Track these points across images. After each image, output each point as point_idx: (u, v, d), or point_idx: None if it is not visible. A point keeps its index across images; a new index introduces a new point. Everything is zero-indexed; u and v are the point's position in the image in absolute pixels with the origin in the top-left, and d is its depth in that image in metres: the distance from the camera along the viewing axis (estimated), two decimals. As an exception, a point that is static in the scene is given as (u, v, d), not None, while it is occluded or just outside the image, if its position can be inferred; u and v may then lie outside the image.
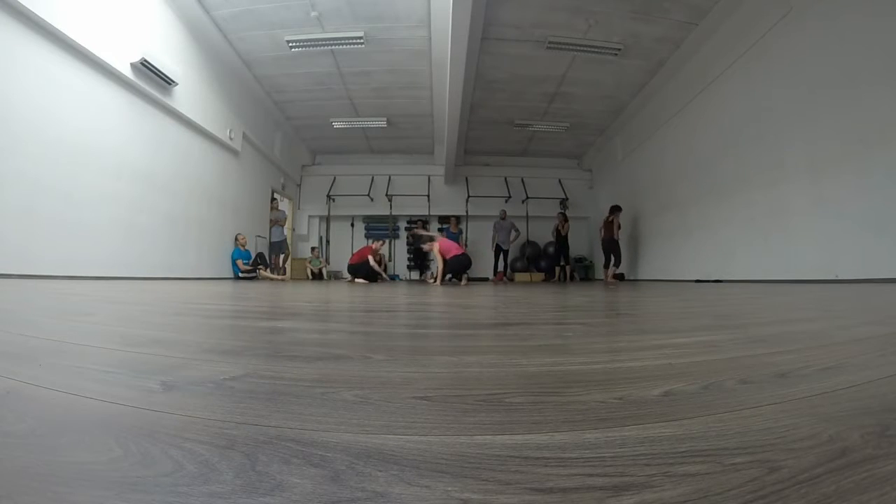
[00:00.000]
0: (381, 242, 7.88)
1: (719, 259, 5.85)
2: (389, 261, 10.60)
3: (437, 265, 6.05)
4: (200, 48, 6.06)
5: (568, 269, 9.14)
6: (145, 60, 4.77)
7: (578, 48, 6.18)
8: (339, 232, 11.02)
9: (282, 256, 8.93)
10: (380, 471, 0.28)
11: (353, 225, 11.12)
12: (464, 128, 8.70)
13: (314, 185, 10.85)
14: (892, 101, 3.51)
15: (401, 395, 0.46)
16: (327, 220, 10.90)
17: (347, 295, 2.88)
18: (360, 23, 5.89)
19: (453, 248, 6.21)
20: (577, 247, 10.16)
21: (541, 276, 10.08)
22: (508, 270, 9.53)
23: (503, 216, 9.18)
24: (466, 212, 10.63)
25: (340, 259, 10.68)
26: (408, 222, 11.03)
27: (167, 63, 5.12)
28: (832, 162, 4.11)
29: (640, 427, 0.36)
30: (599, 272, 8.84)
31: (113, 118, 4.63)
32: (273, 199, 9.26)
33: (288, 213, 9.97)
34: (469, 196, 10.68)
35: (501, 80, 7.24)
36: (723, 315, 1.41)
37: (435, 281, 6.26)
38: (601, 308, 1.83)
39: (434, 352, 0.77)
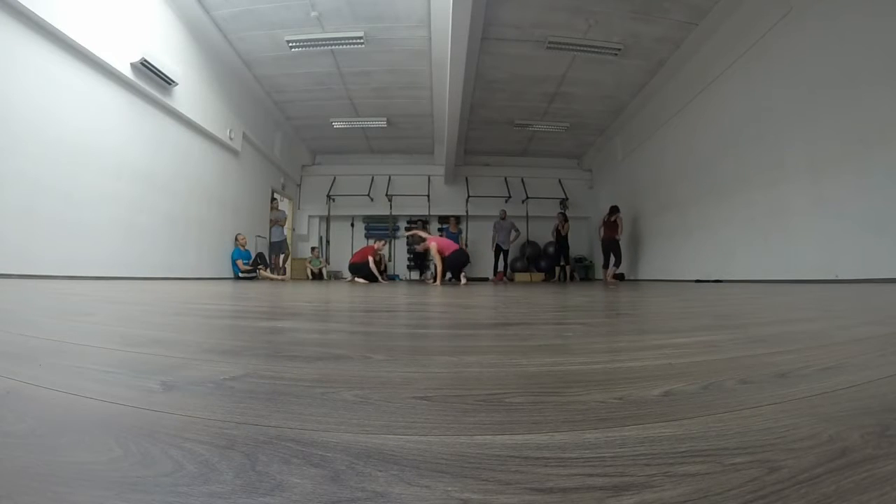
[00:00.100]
0: (382, 242, 7.88)
1: (719, 259, 5.85)
2: (389, 261, 10.60)
3: (437, 265, 6.04)
4: (200, 48, 6.06)
5: (568, 269, 9.14)
6: (145, 60, 4.77)
7: (578, 48, 6.18)
8: (339, 232, 11.02)
9: (282, 256, 8.92)
10: (380, 471, 0.28)
11: (353, 225, 11.12)
12: (464, 128, 8.70)
13: (314, 185, 10.85)
14: (892, 101, 3.52)
15: (401, 395, 0.46)
16: (327, 220, 10.90)
17: (347, 295, 2.88)
18: (360, 23, 5.89)
19: (450, 246, 6.21)
20: (577, 247, 10.16)
21: (541, 276, 10.08)
22: (508, 270, 9.53)
23: (503, 216, 9.18)
24: (466, 212, 10.63)
25: (340, 259, 10.68)
26: (408, 222, 11.03)
27: (167, 63, 5.12)
28: (832, 162, 4.11)
29: (640, 427, 0.36)
30: (599, 272, 8.84)
31: (113, 118, 4.63)
32: (273, 199, 9.26)
33: (288, 213, 9.97)
34: (469, 196, 10.68)
35: (501, 80, 7.24)
36: (723, 315, 1.41)
37: (435, 281, 6.26)
38: (601, 308, 1.83)
39: (434, 352, 0.77)
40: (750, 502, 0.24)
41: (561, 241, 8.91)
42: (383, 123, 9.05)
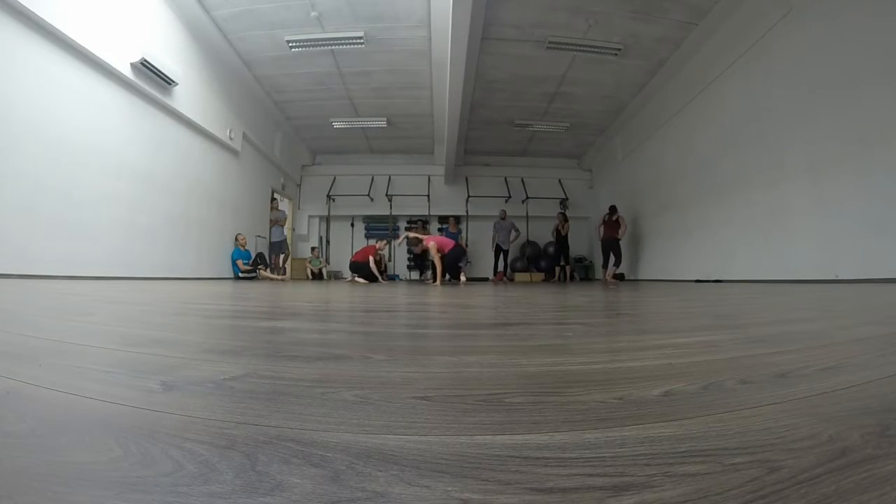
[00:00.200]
0: (383, 242, 7.90)
1: (719, 259, 5.85)
2: (389, 261, 10.60)
3: (436, 264, 6.04)
4: (200, 48, 6.06)
5: (568, 269, 9.14)
6: (145, 60, 4.77)
7: (578, 48, 6.18)
8: (339, 232, 11.02)
9: (282, 256, 8.92)
10: (380, 471, 0.28)
11: (353, 225, 11.12)
12: (464, 128, 8.70)
13: (314, 185, 10.85)
14: (892, 101, 3.51)
15: (401, 395, 0.46)
16: (327, 220, 10.90)
17: (347, 295, 2.88)
18: (360, 23, 5.89)
19: (448, 243, 6.22)
20: (577, 247, 10.16)
21: (541, 276, 10.08)
22: (508, 270, 9.53)
23: (503, 216, 9.18)
24: (466, 212, 10.63)
25: (340, 259, 10.68)
26: (408, 222, 11.03)
27: (167, 63, 5.12)
28: (832, 162, 4.11)
29: (640, 427, 0.36)
30: (599, 272, 8.84)
31: (113, 118, 4.63)
32: (273, 199, 9.26)
33: (288, 213, 9.97)
34: (469, 196, 10.68)
35: (501, 80, 7.24)
36: (723, 315, 1.41)
37: (434, 281, 6.26)
38: (601, 308, 1.83)
39: (434, 352, 0.77)
40: (750, 502, 0.24)
41: (561, 241, 8.91)
42: (383, 123, 9.05)
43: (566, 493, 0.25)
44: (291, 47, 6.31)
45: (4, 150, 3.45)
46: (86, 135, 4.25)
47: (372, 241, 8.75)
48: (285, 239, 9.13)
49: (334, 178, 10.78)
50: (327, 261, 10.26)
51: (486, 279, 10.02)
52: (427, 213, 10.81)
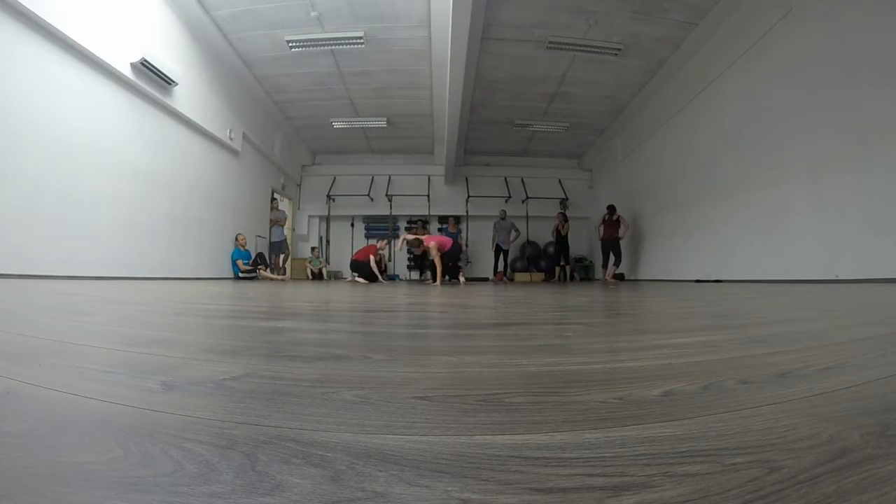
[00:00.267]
0: (384, 242, 7.91)
1: (719, 259, 5.85)
2: (389, 261, 10.61)
3: (437, 264, 6.03)
4: (200, 48, 6.06)
5: (568, 269, 9.14)
6: (145, 60, 4.77)
7: (578, 48, 6.18)
8: (339, 232, 11.02)
9: (282, 256, 8.92)
10: (380, 471, 0.28)
11: (353, 225, 11.12)
12: (464, 128, 8.70)
13: (314, 185, 10.85)
14: (892, 101, 3.51)
15: (401, 395, 0.46)
16: (327, 220, 10.90)
17: (347, 295, 2.88)
18: (360, 23, 5.89)
19: (447, 241, 6.22)
20: (577, 247, 10.16)
21: (541, 276, 10.08)
22: (508, 270, 9.53)
23: (503, 216, 9.18)
24: (466, 212, 10.63)
25: (340, 259, 10.68)
26: (408, 222, 11.03)
27: (167, 63, 5.12)
28: (832, 162, 4.11)
29: (640, 427, 0.36)
30: (599, 272, 8.84)
31: (113, 118, 4.63)
32: (273, 199, 9.26)
33: (288, 213, 9.96)
34: (469, 196, 10.68)
35: (501, 80, 7.24)
36: (723, 315, 1.41)
37: (434, 281, 6.26)
38: (601, 308, 1.83)
39: (434, 352, 0.77)
40: (750, 502, 0.24)
41: (561, 241, 8.92)
42: (383, 123, 9.05)
43: (566, 493, 0.25)
44: (291, 47, 6.31)
45: (4, 150, 3.45)
46: (86, 135, 4.25)
47: (372, 241, 8.74)
48: (285, 239, 9.13)
49: (334, 178, 10.78)
50: (327, 261, 10.26)
51: (486, 279, 10.02)
52: (427, 213, 10.81)
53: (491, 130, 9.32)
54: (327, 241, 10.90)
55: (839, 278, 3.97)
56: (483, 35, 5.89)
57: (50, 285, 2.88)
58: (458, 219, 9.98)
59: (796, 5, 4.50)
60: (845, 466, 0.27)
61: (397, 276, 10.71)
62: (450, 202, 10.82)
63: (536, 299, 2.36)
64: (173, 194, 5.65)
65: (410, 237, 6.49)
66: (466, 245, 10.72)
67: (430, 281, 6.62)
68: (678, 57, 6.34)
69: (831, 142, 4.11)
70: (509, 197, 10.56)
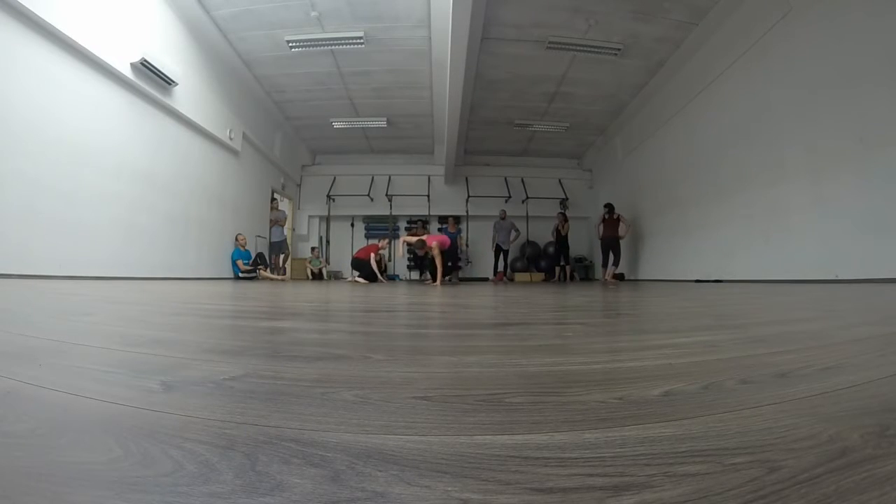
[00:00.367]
0: (386, 241, 7.93)
1: (719, 259, 5.85)
2: (389, 261, 10.61)
3: (437, 264, 6.02)
4: (200, 48, 6.06)
5: (568, 269, 9.14)
6: (145, 60, 4.77)
7: (578, 48, 6.18)
8: (339, 232, 11.02)
9: (282, 256, 8.92)
10: (380, 471, 0.28)
11: (353, 225, 11.12)
12: (464, 128, 8.70)
13: (314, 185, 10.85)
14: (892, 101, 3.51)
15: (401, 395, 0.46)
16: (327, 220, 10.90)
17: (348, 295, 2.88)
18: (359, 23, 5.89)
19: (446, 240, 6.20)
20: (577, 247, 10.15)
21: (541, 276, 10.08)
22: (508, 270, 9.53)
23: (503, 216, 9.18)
24: (466, 212, 10.63)
25: (340, 259, 10.68)
26: (408, 222, 11.03)
27: (167, 63, 5.12)
28: (832, 162, 4.11)
29: (640, 427, 0.36)
30: (599, 272, 8.84)
31: (113, 118, 4.63)
32: (273, 199, 9.26)
33: (288, 213, 9.96)
34: (469, 196, 10.67)
35: (501, 80, 7.24)
36: (723, 315, 1.41)
37: (433, 281, 6.25)
38: (601, 308, 1.83)
39: (434, 352, 0.77)
40: (750, 502, 0.24)
41: (561, 241, 8.91)
42: (383, 123, 9.04)
43: (566, 493, 0.25)
44: (291, 47, 6.31)
45: (4, 150, 3.45)
46: (86, 135, 4.25)
47: (373, 241, 8.74)
48: (285, 239, 9.13)
49: (334, 178, 10.78)
50: (327, 261, 10.26)
51: (485, 279, 10.02)
52: (427, 213, 10.80)
53: (491, 130, 9.32)
54: (327, 241, 10.90)
55: (839, 278, 3.97)
56: (483, 35, 5.89)
57: (50, 285, 2.88)
58: (457, 219, 9.97)
59: (796, 5, 4.50)
60: (845, 466, 0.27)
61: (397, 276, 10.71)
62: (450, 202, 10.82)
63: (536, 299, 2.36)
64: (173, 194, 5.65)
65: (413, 239, 6.41)
66: (467, 245, 10.71)
67: (430, 281, 6.61)
68: (678, 57, 6.34)
69: (831, 142, 4.11)
70: (509, 197, 10.56)
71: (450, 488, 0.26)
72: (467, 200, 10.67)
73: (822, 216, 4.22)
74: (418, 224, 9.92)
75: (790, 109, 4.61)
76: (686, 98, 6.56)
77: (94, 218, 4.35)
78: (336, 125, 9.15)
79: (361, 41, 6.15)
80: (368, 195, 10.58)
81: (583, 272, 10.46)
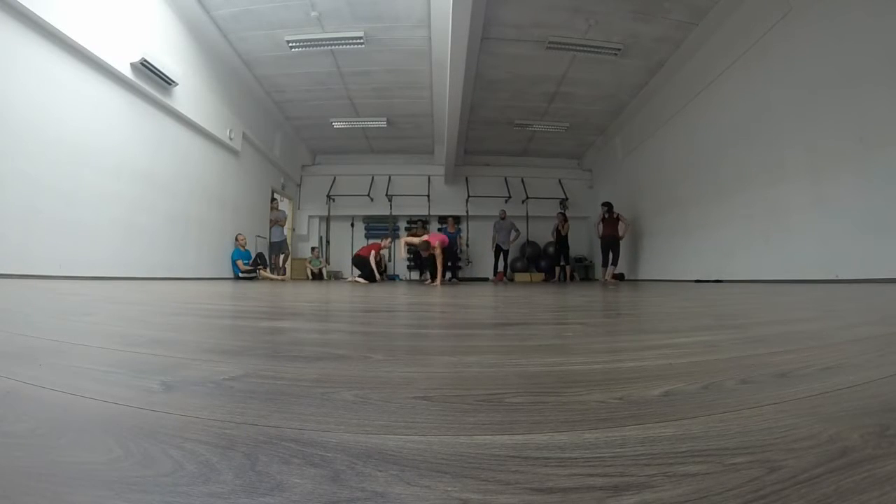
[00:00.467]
0: (389, 240, 7.95)
1: (719, 259, 5.85)
2: (389, 261, 10.61)
3: (438, 263, 6.01)
4: (200, 48, 6.06)
5: (568, 269, 9.14)
6: (145, 60, 4.77)
7: (578, 48, 6.18)
8: (339, 232, 11.02)
9: (282, 256, 8.92)
10: (380, 471, 0.28)
11: (353, 225, 11.12)
12: (464, 128, 8.70)
13: (314, 185, 10.85)
14: (892, 101, 3.51)
15: (401, 395, 0.46)
16: (327, 220, 10.90)
17: (348, 295, 2.88)
18: (359, 23, 5.89)
19: (445, 240, 6.18)
20: (577, 247, 10.16)
21: (541, 276, 10.08)
22: (508, 270, 9.53)
23: (503, 216, 9.18)
24: (466, 212, 10.63)
25: (340, 259, 10.68)
26: (408, 222, 11.03)
27: (167, 63, 5.12)
28: (832, 162, 4.11)
29: (640, 427, 0.36)
30: (599, 272, 8.84)
31: (113, 118, 4.63)
32: (273, 199, 9.25)
33: (288, 213, 9.97)
34: (469, 196, 10.68)
35: (501, 80, 7.24)
36: (723, 315, 1.41)
37: (433, 281, 6.25)
38: (601, 308, 1.83)
39: (434, 352, 0.77)
40: (750, 502, 0.24)
41: (561, 241, 8.91)
42: (383, 123, 9.04)
43: (566, 493, 0.25)
44: (291, 47, 6.31)
45: (4, 150, 3.45)
46: (86, 135, 4.25)
47: (375, 241, 8.74)
48: (285, 239, 9.13)
49: (334, 178, 10.78)
50: (327, 261, 10.26)
51: (486, 279, 10.02)
52: (427, 213, 10.81)
53: (491, 130, 9.32)
54: (327, 242, 10.90)
55: (839, 278, 3.97)
56: (483, 35, 5.89)
57: (50, 285, 2.88)
58: (457, 219, 9.97)
59: (796, 5, 4.50)
60: (845, 466, 0.27)
61: (397, 276, 10.71)
62: (450, 202, 10.82)
63: (536, 299, 2.36)
64: (173, 194, 5.65)
65: (416, 240, 6.30)
66: (467, 245, 10.71)
67: (430, 281, 6.61)
68: (678, 57, 6.34)
69: (831, 142, 4.11)
70: (509, 197, 10.56)
71: (450, 488, 0.26)
72: (467, 200, 10.67)
73: (822, 216, 4.22)
74: (418, 224, 9.91)
75: (790, 109, 4.61)
76: (686, 98, 6.56)
77: (94, 218, 4.35)
78: (336, 125, 9.15)
79: (361, 41, 6.15)
80: (368, 195, 10.58)
81: (583, 272, 10.46)
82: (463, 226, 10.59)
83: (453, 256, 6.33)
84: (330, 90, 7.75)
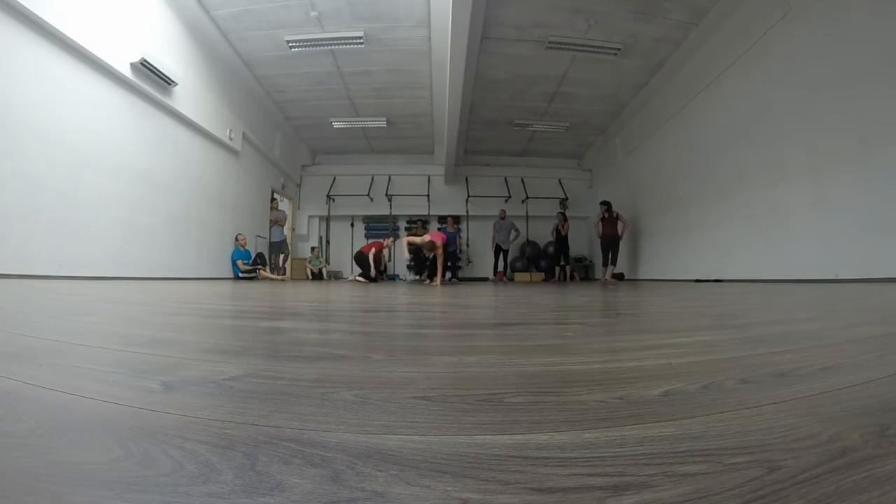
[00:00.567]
0: (391, 239, 7.93)
1: (719, 259, 5.85)
2: (389, 261, 10.60)
3: (438, 263, 6.00)
4: (200, 48, 6.05)
5: (568, 268, 9.14)
6: (145, 60, 4.77)
7: (578, 48, 6.18)
8: (339, 232, 11.02)
9: (282, 256, 8.93)
10: (380, 471, 0.28)
11: (353, 225, 11.12)
12: (464, 128, 8.70)
13: (314, 185, 10.85)
14: (892, 101, 3.51)
15: (401, 395, 0.46)
16: (327, 220, 10.89)
17: (347, 295, 2.88)
18: (359, 23, 5.89)
19: (445, 240, 6.17)
20: (577, 247, 10.16)
21: (541, 275, 10.08)
22: (508, 270, 9.53)
23: (503, 216, 9.18)
24: (467, 212, 10.63)
25: (340, 259, 10.68)
26: (408, 222, 11.03)
27: (167, 63, 5.12)
28: (832, 162, 4.11)
29: (640, 427, 0.36)
30: (599, 272, 8.84)
31: (113, 118, 4.63)
32: (273, 199, 9.25)
33: (288, 213, 9.97)
34: (469, 196, 10.67)
35: (501, 80, 7.24)
36: (722, 315, 1.41)
37: (433, 281, 6.25)
38: (601, 308, 1.83)
39: (434, 352, 0.77)
40: (750, 502, 0.24)
41: (561, 240, 8.92)
42: (383, 123, 9.04)
43: (566, 493, 0.25)
44: (291, 47, 6.31)
45: (4, 150, 3.44)
46: (85, 135, 4.24)
47: (378, 240, 8.74)
48: (285, 239, 9.13)
49: (334, 178, 10.78)
50: (327, 261, 10.26)
51: (485, 279, 10.01)
52: (427, 213, 10.81)
53: (491, 130, 9.32)
54: (327, 241, 10.90)
55: (839, 278, 3.97)
56: (483, 35, 5.89)
57: (50, 285, 2.88)
58: (457, 219, 9.97)
59: (796, 5, 4.50)
60: (845, 466, 0.27)
61: (397, 275, 10.71)
62: (450, 202, 10.82)
63: (536, 299, 2.36)
64: (173, 194, 5.65)
65: (418, 240, 6.21)
66: (467, 245, 10.71)
67: (429, 281, 6.61)
68: (678, 57, 6.34)
69: (831, 142, 4.11)
70: (509, 197, 10.56)
71: (450, 488, 0.26)
72: (467, 200, 10.67)
73: (822, 216, 4.22)
74: (418, 224, 9.91)
75: (790, 109, 4.61)
76: (686, 98, 6.55)
77: (94, 218, 4.35)
78: (336, 125, 9.15)
79: (361, 41, 6.15)
80: (368, 195, 10.58)
81: (583, 272, 10.46)
82: (463, 225, 10.59)
83: (453, 256, 6.32)
84: (330, 90, 7.75)
